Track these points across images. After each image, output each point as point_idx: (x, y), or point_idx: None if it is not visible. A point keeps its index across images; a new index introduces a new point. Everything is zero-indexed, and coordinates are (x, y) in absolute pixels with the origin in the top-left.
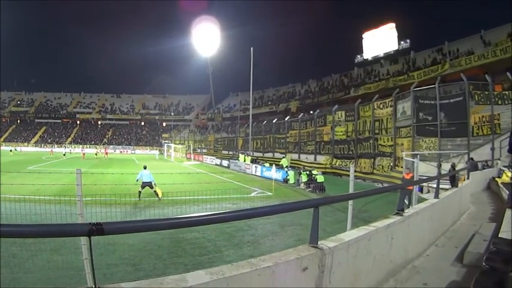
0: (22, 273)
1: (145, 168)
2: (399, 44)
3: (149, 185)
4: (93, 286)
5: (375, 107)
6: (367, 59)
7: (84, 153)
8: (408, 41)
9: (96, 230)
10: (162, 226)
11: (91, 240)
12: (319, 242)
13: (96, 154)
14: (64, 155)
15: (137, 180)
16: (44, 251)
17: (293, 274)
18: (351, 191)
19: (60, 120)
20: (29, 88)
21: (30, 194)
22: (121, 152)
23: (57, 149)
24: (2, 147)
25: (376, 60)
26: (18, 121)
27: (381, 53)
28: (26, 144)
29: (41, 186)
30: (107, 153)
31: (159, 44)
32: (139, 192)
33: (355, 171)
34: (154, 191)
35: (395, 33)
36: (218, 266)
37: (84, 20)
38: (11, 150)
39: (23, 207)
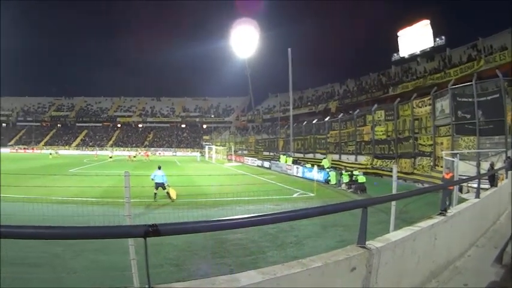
0: (65, 273)
1: (159, 168)
2: (434, 41)
3: (162, 185)
4: (147, 286)
5: (414, 106)
6: (403, 57)
7: (130, 156)
8: (443, 37)
9: (152, 231)
10: (215, 227)
11: (146, 241)
12: (366, 242)
13: (135, 156)
14: (110, 157)
15: (152, 180)
16: (88, 251)
17: (342, 274)
18: (394, 191)
19: (101, 124)
20: (69, 93)
21: (74, 196)
22: (159, 154)
23: (100, 152)
24: (43, 151)
25: (413, 58)
26: (59, 125)
27: (416, 50)
28: (67, 147)
29: (84, 188)
30: (147, 155)
31: (197, 46)
32: (155, 194)
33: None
34: (167, 192)
35: (430, 30)
36: (261, 267)
37: (122, 25)
38: (50, 154)
39: (67, 209)
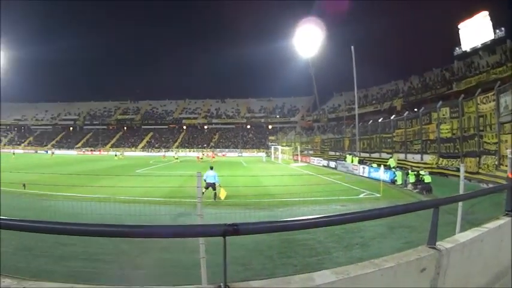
0: (130, 270)
1: (211, 168)
2: (494, 32)
3: (212, 186)
4: (222, 284)
5: (478, 102)
6: (465, 51)
7: (198, 157)
8: (503, 29)
9: (231, 230)
10: (294, 227)
11: (226, 240)
12: (436, 243)
13: (201, 158)
14: (176, 158)
15: (204, 180)
16: (154, 249)
17: (412, 275)
18: (461, 191)
19: (166, 126)
20: (134, 97)
21: (140, 196)
22: (223, 155)
23: (167, 153)
24: (110, 152)
25: (475, 51)
26: (125, 128)
27: (478, 43)
28: (133, 149)
29: (150, 188)
30: (213, 156)
31: (260, 47)
32: (203, 192)
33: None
34: (215, 193)
35: (489, 22)
36: (327, 268)
37: (186, 29)
38: (116, 155)
39: (133, 208)
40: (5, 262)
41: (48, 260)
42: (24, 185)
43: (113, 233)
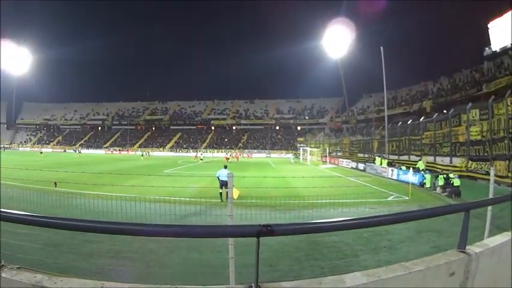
0: (158, 268)
1: (225, 167)
2: None
3: (225, 184)
4: (253, 284)
5: (509, 103)
6: (495, 51)
7: (226, 157)
8: None
9: (266, 231)
10: (326, 228)
11: (259, 240)
12: (466, 247)
13: (227, 158)
14: (201, 159)
15: (217, 178)
16: (182, 248)
17: (441, 278)
18: (491, 195)
19: (194, 127)
20: (163, 98)
21: (169, 195)
22: (248, 156)
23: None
24: (137, 152)
25: (505, 51)
26: (153, 128)
27: (508, 43)
28: (161, 149)
29: (178, 188)
30: (237, 157)
31: (289, 47)
32: (220, 193)
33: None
34: (226, 192)
35: None
36: (354, 270)
37: (214, 30)
38: (142, 155)
39: (162, 208)
40: (33, 257)
41: (76, 256)
42: (55, 184)
43: (146, 233)
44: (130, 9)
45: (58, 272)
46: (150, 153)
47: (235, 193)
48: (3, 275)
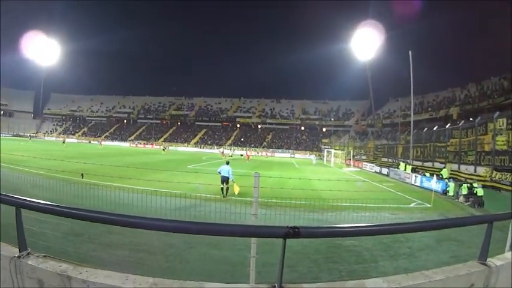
0: (178, 263)
1: (227, 163)
2: None
3: (226, 180)
4: (276, 284)
5: None
6: None
7: (248, 155)
8: None
9: (292, 233)
10: (353, 233)
11: (286, 242)
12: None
13: (242, 155)
14: (231, 156)
15: (219, 173)
16: (201, 244)
17: None
18: None
19: (220, 124)
20: (189, 94)
21: (191, 191)
22: (266, 155)
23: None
24: (160, 146)
25: None
26: (179, 123)
27: None
28: (185, 144)
29: (199, 185)
30: (248, 156)
31: (317, 49)
32: (222, 188)
33: None
34: (227, 188)
35: None
36: (371, 277)
37: (243, 29)
38: (164, 149)
39: (183, 203)
40: (54, 246)
41: (96, 246)
42: (82, 175)
43: (171, 228)
44: (160, 3)
45: (78, 261)
46: (176, 148)
47: (236, 189)
48: (29, 262)
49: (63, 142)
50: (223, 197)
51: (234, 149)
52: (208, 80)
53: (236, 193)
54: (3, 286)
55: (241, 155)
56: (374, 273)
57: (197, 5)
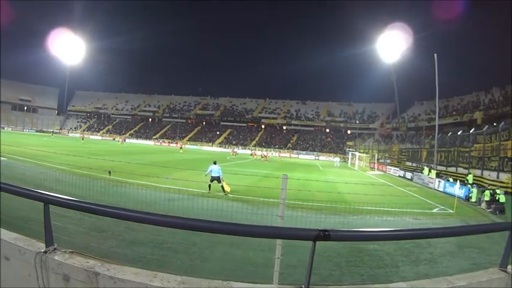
0: (199, 261)
1: (215, 163)
2: None
3: (217, 179)
4: (304, 285)
5: None
6: None
7: (264, 156)
8: None
9: (323, 235)
10: (382, 237)
11: (315, 245)
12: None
13: (264, 156)
14: (264, 157)
15: (206, 175)
16: (223, 244)
17: None
18: None
19: (245, 124)
20: (215, 94)
21: (214, 191)
22: (290, 156)
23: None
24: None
25: None
26: (204, 123)
27: None
28: (210, 144)
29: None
30: (266, 156)
31: (343, 51)
32: (209, 185)
33: None
34: (221, 186)
35: None
36: (393, 281)
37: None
38: (181, 148)
39: (205, 202)
40: (78, 241)
41: (119, 243)
42: (109, 172)
43: (201, 228)
44: (186, 3)
45: (100, 257)
46: (201, 147)
47: (227, 187)
48: (55, 257)
49: (82, 139)
50: (209, 192)
51: (254, 150)
52: (233, 80)
53: (228, 191)
54: (28, 281)
55: (261, 156)
56: (395, 278)
57: (225, 5)
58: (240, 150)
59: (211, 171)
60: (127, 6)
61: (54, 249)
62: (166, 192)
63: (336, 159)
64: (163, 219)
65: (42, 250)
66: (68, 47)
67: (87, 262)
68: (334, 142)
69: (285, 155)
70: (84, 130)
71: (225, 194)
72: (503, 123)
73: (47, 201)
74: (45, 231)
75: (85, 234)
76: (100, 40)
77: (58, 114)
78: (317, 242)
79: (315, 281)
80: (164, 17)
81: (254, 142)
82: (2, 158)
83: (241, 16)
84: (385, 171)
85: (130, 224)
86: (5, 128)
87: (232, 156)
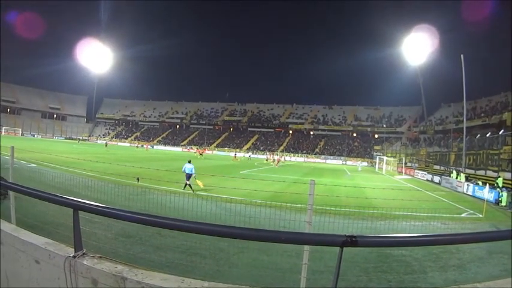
0: (227, 267)
1: (189, 162)
2: None
3: (189, 176)
4: None
5: None
6: None
7: (279, 160)
8: None
9: (350, 242)
10: (410, 243)
11: (343, 250)
12: None
13: (267, 159)
14: (270, 160)
15: (184, 171)
16: (252, 249)
17: None
18: None
19: (272, 130)
20: (242, 100)
21: (243, 197)
22: (305, 160)
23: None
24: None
25: None
26: (231, 129)
27: None
28: (237, 150)
29: (251, 191)
30: (278, 160)
31: (369, 54)
32: (186, 184)
33: None
34: (189, 185)
35: None
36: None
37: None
38: (201, 154)
39: (235, 208)
40: (105, 246)
41: (147, 248)
42: (138, 179)
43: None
44: (212, 10)
45: (129, 262)
46: (227, 153)
47: (200, 184)
48: (84, 262)
49: (106, 145)
50: (183, 189)
51: (273, 154)
52: (260, 86)
53: (201, 186)
54: (57, 284)
55: (271, 160)
56: (422, 284)
57: (251, 11)
58: (255, 155)
59: (185, 169)
60: (153, 15)
61: (83, 254)
62: (194, 198)
63: (358, 163)
64: (188, 225)
65: (72, 255)
66: (96, 56)
67: (116, 267)
68: (362, 146)
69: (309, 160)
70: (112, 137)
71: (193, 192)
72: None
73: (76, 207)
74: (74, 237)
75: (113, 239)
76: (127, 49)
77: (87, 121)
78: (344, 248)
79: (342, 286)
80: (190, 24)
81: (282, 147)
82: (32, 165)
83: (268, 22)
84: (413, 176)
85: (158, 229)
86: (35, 136)
87: (234, 160)
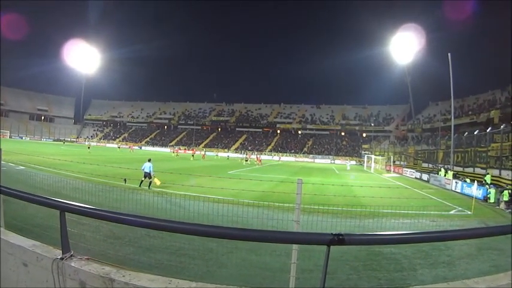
0: (216, 267)
1: (149, 160)
2: None
3: (148, 175)
4: None
5: None
6: None
7: (259, 159)
8: None
9: (337, 240)
10: (396, 240)
11: (330, 249)
12: None
13: (246, 160)
14: (249, 161)
15: (142, 170)
16: (241, 249)
17: None
18: None
19: (260, 130)
20: (229, 100)
21: (231, 197)
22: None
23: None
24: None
25: None
26: (219, 129)
27: None
28: (225, 150)
29: (240, 191)
30: (259, 160)
31: (356, 53)
32: (141, 181)
33: None
34: (150, 182)
35: None
36: (411, 285)
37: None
38: (193, 155)
39: (222, 208)
40: (94, 248)
41: (136, 250)
42: (125, 180)
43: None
44: (199, 10)
45: (118, 263)
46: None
47: (157, 182)
48: (72, 264)
49: (88, 147)
50: (139, 186)
51: (256, 154)
52: (248, 86)
53: (158, 184)
54: (44, 286)
55: (246, 160)
56: (413, 281)
57: (238, 11)
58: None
59: (144, 167)
60: (141, 16)
61: (71, 255)
62: (182, 198)
63: (347, 162)
64: (177, 225)
65: (59, 257)
66: (84, 57)
67: (103, 268)
68: (350, 145)
69: (296, 159)
70: (100, 138)
71: (149, 188)
72: None
73: (63, 209)
74: (61, 239)
75: (102, 241)
76: (115, 50)
77: (75, 123)
78: (333, 246)
79: (332, 285)
80: (178, 25)
81: (270, 147)
82: (20, 167)
83: (255, 22)
84: (402, 174)
85: (147, 230)
86: (24, 138)
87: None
